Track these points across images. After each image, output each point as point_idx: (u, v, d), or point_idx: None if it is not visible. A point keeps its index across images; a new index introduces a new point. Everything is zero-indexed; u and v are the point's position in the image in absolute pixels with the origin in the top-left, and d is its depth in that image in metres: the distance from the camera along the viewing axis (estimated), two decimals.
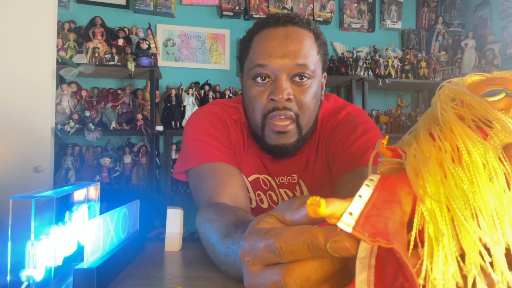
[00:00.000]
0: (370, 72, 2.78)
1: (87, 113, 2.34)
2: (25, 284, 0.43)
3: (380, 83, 2.71)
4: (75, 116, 2.29)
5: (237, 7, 2.74)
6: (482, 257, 0.19)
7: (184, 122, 2.45)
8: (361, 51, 2.90)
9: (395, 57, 2.80)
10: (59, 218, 0.50)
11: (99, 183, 0.66)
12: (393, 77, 2.77)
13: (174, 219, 0.72)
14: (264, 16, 2.78)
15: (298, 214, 0.28)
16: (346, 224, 0.22)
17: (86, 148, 2.42)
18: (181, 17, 2.75)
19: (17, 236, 0.44)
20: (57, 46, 2.27)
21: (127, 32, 2.53)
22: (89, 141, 2.33)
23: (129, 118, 2.42)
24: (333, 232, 0.23)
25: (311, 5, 2.90)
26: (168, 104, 2.48)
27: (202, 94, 2.57)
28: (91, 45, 2.38)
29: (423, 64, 2.82)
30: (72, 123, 2.22)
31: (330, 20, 2.93)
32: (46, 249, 0.45)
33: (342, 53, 2.85)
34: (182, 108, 2.48)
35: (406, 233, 0.22)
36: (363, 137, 0.76)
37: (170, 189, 2.45)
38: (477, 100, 0.22)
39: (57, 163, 2.25)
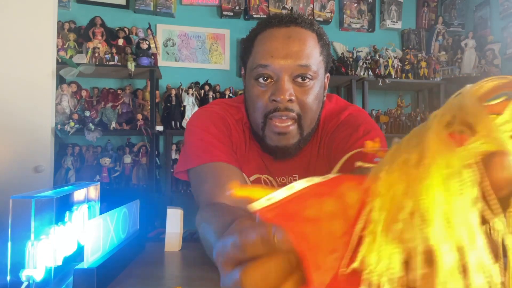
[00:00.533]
0: (370, 72, 2.78)
1: (87, 113, 2.34)
2: (25, 284, 0.43)
3: (380, 83, 2.71)
4: (75, 116, 2.29)
5: (237, 7, 2.74)
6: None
7: (184, 122, 2.45)
8: (361, 51, 2.90)
9: (395, 57, 2.80)
10: (59, 218, 0.50)
11: (99, 183, 0.66)
12: (393, 77, 2.77)
13: (174, 219, 0.73)
14: (264, 16, 2.79)
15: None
16: (259, 205, 0.22)
17: (86, 148, 2.42)
18: (181, 17, 2.75)
19: (17, 236, 0.44)
20: (57, 46, 2.27)
21: (127, 32, 2.53)
22: (89, 142, 2.33)
23: (129, 118, 2.42)
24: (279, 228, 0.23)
25: (311, 5, 2.90)
26: (168, 104, 2.48)
27: (202, 94, 2.57)
28: (91, 45, 2.38)
29: (423, 64, 2.82)
30: (72, 123, 2.21)
31: (330, 20, 2.92)
32: (46, 249, 0.45)
33: (342, 53, 2.85)
34: (182, 108, 2.48)
35: (338, 224, 0.22)
36: (364, 137, 0.76)
37: (170, 189, 2.45)
38: (471, 104, 0.21)
39: (57, 163, 2.25)
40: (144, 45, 2.41)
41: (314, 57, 0.75)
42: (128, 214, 0.63)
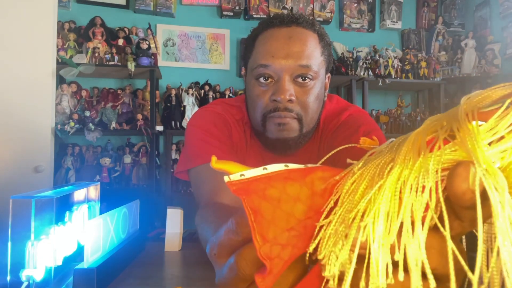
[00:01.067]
0: (370, 72, 2.78)
1: (87, 113, 2.34)
2: (25, 284, 0.43)
3: (380, 83, 2.71)
4: (75, 116, 2.29)
5: (237, 7, 2.74)
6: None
7: (184, 122, 2.45)
8: (361, 51, 2.90)
9: (395, 57, 2.80)
10: (59, 218, 0.50)
11: (99, 183, 0.66)
12: (393, 77, 2.77)
13: (174, 219, 0.73)
14: (264, 16, 2.79)
15: None
16: (230, 179, 0.24)
17: (86, 147, 2.42)
18: (181, 17, 2.75)
19: (17, 236, 0.44)
20: (57, 46, 2.27)
21: (127, 32, 2.53)
22: (89, 141, 2.33)
23: (129, 118, 2.42)
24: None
25: (311, 5, 2.90)
26: (168, 104, 2.48)
27: (202, 94, 2.57)
28: (91, 45, 2.38)
29: (423, 64, 2.82)
30: (72, 123, 2.22)
31: (330, 20, 2.93)
32: (46, 249, 0.45)
33: (342, 53, 2.85)
34: (182, 108, 2.48)
35: (300, 207, 0.23)
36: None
37: (170, 189, 2.45)
38: (460, 110, 0.21)
39: (57, 163, 2.25)
40: (144, 45, 2.41)
41: (315, 58, 0.76)
42: (128, 214, 0.63)
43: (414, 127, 2.80)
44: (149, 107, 2.42)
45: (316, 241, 0.22)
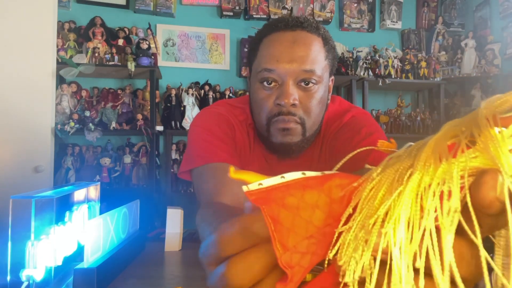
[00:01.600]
0: (370, 72, 2.78)
1: (87, 113, 2.34)
2: (25, 284, 0.43)
3: (380, 83, 2.71)
4: (75, 116, 2.29)
5: (237, 7, 2.74)
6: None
7: (184, 122, 2.45)
8: (361, 51, 2.90)
9: (395, 57, 2.80)
10: (59, 218, 0.50)
11: (99, 183, 0.66)
12: (393, 77, 2.77)
13: (174, 219, 0.73)
14: (264, 16, 2.79)
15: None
16: (248, 189, 0.24)
17: (86, 147, 2.42)
18: (181, 17, 2.75)
19: (17, 236, 0.44)
20: (57, 46, 2.27)
21: (127, 32, 2.53)
22: (89, 142, 2.33)
23: (129, 118, 2.42)
24: (257, 215, 0.24)
25: (311, 5, 2.90)
26: (168, 104, 2.48)
27: (202, 94, 2.57)
28: (91, 45, 2.38)
29: (423, 64, 2.82)
30: (72, 123, 2.22)
31: (330, 20, 2.92)
32: (46, 249, 0.45)
33: (342, 53, 2.85)
34: (182, 108, 2.48)
35: (319, 215, 0.24)
36: (366, 139, 0.76)
37: (170, 189, 2.45)
38: (480, 115, 0.21)
39: (57, 163, 2.25)
40: (144, 45, 2.41)
41: (319, 62, 0.76)
42: (128, 214, 0.63)
43: (414, 127, 2.81)
44: (149, 107, 2.42)
45: (336, 247, 0.22)
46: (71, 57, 2.33)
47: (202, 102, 2.53)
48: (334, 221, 0.23)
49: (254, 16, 2.79)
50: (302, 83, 0.75)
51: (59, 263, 0.48)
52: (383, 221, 0.21)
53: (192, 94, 2.49)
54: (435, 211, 0.20)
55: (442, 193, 0.20)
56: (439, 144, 0.21)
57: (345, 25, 3.00)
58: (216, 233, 0.26)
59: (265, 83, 0.76)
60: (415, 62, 2.85)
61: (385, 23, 3.04)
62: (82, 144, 2.41)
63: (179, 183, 2.44)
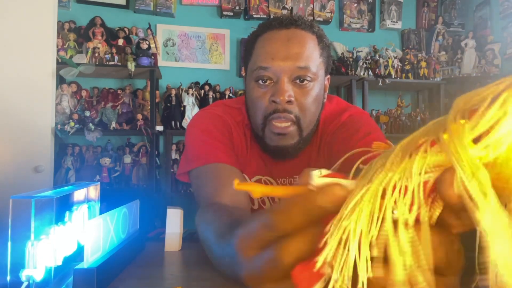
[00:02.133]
0: (370, 72, 2.78)
1: (87, 113, 2.34)
2: (25, 284, 0.43)
3: (380, 83, 2.71)
4: (75, 116, 2.29)
5: (237, 7, 2.74)
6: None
7: (184, 123, 2.45)
8: (361, 51, 2.90)
9: (395, 57, 2.80)
10: (59, 218, 0.50)
11: (99, 183, 0.66)
12: (393, 77, 2.77)
13: (174, 219, 0.73)
14: (264, 16, 2.79)
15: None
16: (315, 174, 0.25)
17: (86, 147, 2.42)
18: (181, 17, 2.75)
19: (17, 236, 0.44)
20: (57, 46, 2.27)
21: (127, 32, 2.53)
22: (89, 141, 2.33)
23: (129, 118, 2.42)
24: (329, 190, 0.24)
25: (311, 5, 2.90)
26: (168, 104, 2.48)
27: (202, 94, 2.57)
28: (91, 45, 2.38)
29: (423, 64, 2.82)
30: (72, 123, 2.21)
31: (330, 20, 2.92)
32: (46, 249, 0.45)
33: (342, 53, 2.85)
34: (182, 108, 2.48)
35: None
36: (365, 139, 0.76)
37: (170, 189, 2.45)
38: (456, 105, 0.22)
39: (57, 163, 2.25)
40: (144, 45, 2.41)
41: (313, 59, 0.76)
42: (128, 214, 0.63)
43: (414, 127, 2.81)
44: (149, 107, 2.42)
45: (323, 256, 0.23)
46: (71, 57, 2.33)
47: (202, 102, 2.53)
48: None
49: (254, 16, 2.79)
50: (297, 81, 0.75)
51: (59, 263, 0.48)
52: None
53: (192, 94, 2.49)
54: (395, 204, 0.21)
55: (406, 188, 0.21)
56: (409, 143, 0.22)
57: (345, 25, 3.00)
58: (271, 211, 0.26)
59: (260, 81, 0.76)
60: (415, 62, 2.85)
61: (385, 23, 3.04)
62: (82, 144, 2.41)
63: (179, 183, 2.44)
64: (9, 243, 0.44)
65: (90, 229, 0.47)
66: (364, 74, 2.77)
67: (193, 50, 2.76)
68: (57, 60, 2.20)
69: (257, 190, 0.26)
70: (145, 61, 2.39)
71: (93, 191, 0.64)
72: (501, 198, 0.20)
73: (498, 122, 0.19)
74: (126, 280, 0.53)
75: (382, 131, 0.93)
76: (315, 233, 0.25)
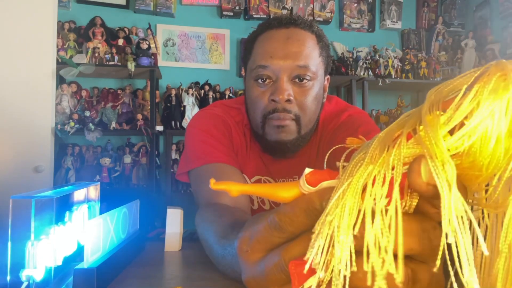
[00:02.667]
0: (370, 72, 2.78)
1: (87, 113, 2.34)
2: (25, 284, 0.43)
3: (380, 83, 2.71)
4: (75, 116, 2.29)
5: (237, 7, 2.74)
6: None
7: (184, 123, 2.45)
8: (361, 51, 2.90)
9: (395, 57, 2.80)
10: (59, 218, 0.50)
11: (99, 183, 0.66)
12: (393, 77, 2.77)
13: (174, 219, 0.72)
14: (264, 16, 2.79)
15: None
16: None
17: (86, 147, 2.42)
18: (181, 17, 2.75)
19: (17, 236, 0.44)
20: (57, 46, 2.27)
21: (127, 32, 2.53)
22: (89, 141, 2.33)
23: (129, 118, 2.42)
24: (325, 192, 0.24)
25: (311, 5, 2.90)
26: (168, 104, 2.48)
27: (202, 94, 2.57)
28: (91, 45, 2.38)
29: (423, 64, 2.82)
30: (72, 123, 2.21)
31: (330, 20, 2.92)
32: (46, 249, 0.45)
33: (342, 53, 2.85)
34: (182, 108, 2.48)
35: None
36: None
37: (170, 189, 2.45)
38: (429, 98, 0.22)
39: (57, 163, 2.24)
40: (144, 45, 2.41)
41: (313, 58, 0.76)
42: (128, 214, 0.63)
43: None
44: (149, 107, 2.42)
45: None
46: (71, 57, 2.33)
47: (202, 102, 2.53)
48: None
49: (254, 16, 2.79)
50: (297, 79, 0.75)
51: (59, 263, 0.48)
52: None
53: (192, 94, 2.49)
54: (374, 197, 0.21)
55: (383, 180, 0.21)
56: (386, 136, 0.23)
57: (345, 25, 3.00)
58: (275, 212, 0.26)
59: (259, 80, 0.76)
60: (415, 62, 2.85)
61: (385, 23, 3.04)
62: (82, 143, 2.41)
63: (179, 183, 2.44)
64: (9, 243, 0.44)
65: (90, 229, 0.47)
66: (364, 74, 2.77)
67: (193, 50, 2.76)
68: (57, 60, 2.20)
69: (234, 188, 0.26)
70: (145, 61, 2.39)
71: (93, 191, 0.64)
72: (474, 185, 0.21)
73: (471, 113, 0.19)
74: (126, 280, 0.53)
75: (381, 131, 0.93)
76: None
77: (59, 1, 2.34)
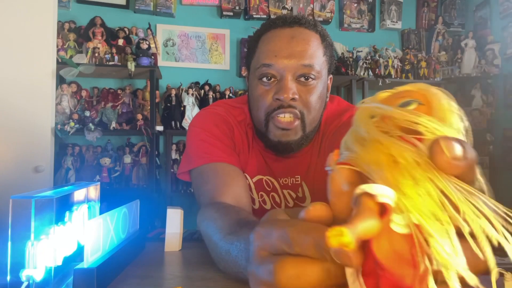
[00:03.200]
0: (370, 72, 2.78)
1: (87, 113, 2.34)
2: (25, 284, 0.43)
3: (380, 83, 2.71)
4: (75, 116, 2.29)
5: (237, 7, 2.74)
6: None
7: (184, 123, 2.45)
8: (361, 51, 2.90)
9: (395, 57, 2.80)
10: (59, 218, 0.50)
11: (99, 183, 0.66)
12: (393, 77, 2.77)
13: (174, 219, 0.72)
14: (264, 16, 2.79)
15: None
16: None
17: (86, 148, 2.42)
18: (181, 17, 2.75)
19: (17, 236, 0.44)
20: (57, 46, 2.27)
21: (127, 32, 2.53)
22: (89, 141, 2.33)
23: (129, 118, 2.42)
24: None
25: (311, 5, 2.90)
26: (168, 104, 2.48)
27: (202, 94, 2.57)
28: (91, 45, 2.37)
29: (423, 64, 2.82)
30: (72, 123, 2.21)
31: (330, 20, 2.92)
32: (46, 249, 0.45)
33: (342, 53, 2.85)
34: (182, 108, 2.48)
35: None
36: None
37: (170, 189, 2.45)
38: (396, 111, 0.23)
39: (57, 163, 2.24)
40: (144, 45, 2.41)
41: (317, 58, 0.76)
42: (128, 214, 0.63)
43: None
44: (149, 107, 2.42)
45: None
46: (71, 57, 2.33)
47: (202, 102, 2.53)
48: None
49: (254, 16, 2.79)
50: (302, 78, 0.75)
51: (59, 263, 0.48)
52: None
53: (192, 94, 2.49)
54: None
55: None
56: (391, 138, 0.23)
57: (345, 25, 3.00)
58: (290, 228, 0.25)
59: (264, 79, 0.76)
60: (415, 62, 2.84)
61: (385, 23, 3.04)
62: (82, 144, 2.41)
63: (179, 183, 2.44)
64: (9, 243, 0.44)
65: (90, 229, 0.47)
66: (364, 74, 2.77)
67: (193, 50, 2.76)
68: (57, 60, 2.20)
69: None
70: (145, 61, 2.39)
71: (93, 191, 0.64)
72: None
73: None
74: (126, 280, 0.53)
75: None
76: (325, 268, 0.24)
77: (59, 1, 2.34)
